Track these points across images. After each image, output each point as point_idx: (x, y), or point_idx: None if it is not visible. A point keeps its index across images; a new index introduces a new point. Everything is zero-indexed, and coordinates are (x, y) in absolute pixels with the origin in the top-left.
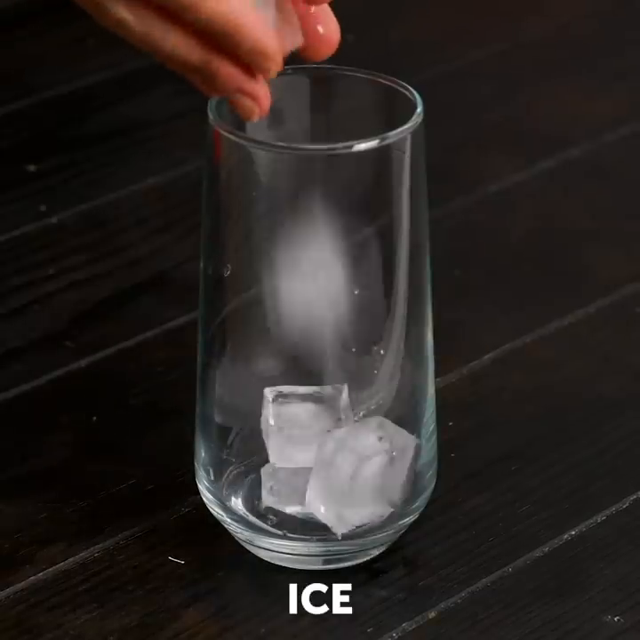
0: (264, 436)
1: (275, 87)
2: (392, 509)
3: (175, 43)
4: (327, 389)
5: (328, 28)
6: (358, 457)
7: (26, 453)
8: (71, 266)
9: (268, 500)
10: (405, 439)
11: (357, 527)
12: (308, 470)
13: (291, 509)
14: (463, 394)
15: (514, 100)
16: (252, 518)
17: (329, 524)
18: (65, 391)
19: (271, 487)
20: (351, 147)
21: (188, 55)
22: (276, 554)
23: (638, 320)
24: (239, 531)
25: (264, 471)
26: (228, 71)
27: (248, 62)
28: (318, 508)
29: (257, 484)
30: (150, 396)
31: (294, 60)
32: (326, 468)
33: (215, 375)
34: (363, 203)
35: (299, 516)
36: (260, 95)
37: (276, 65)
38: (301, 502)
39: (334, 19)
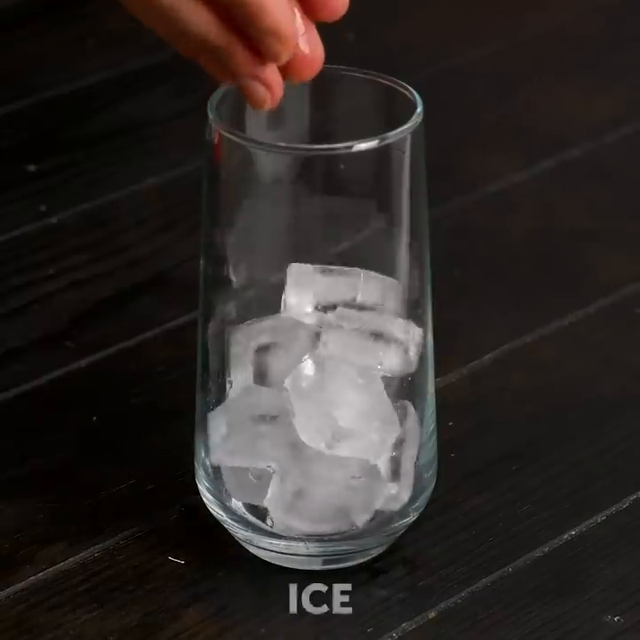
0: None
1: None
2: (348, 526)
3: (200, 18)
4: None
5: (314, 49)
6: (310, 477)
7: (26, 453)
8: (71, 266)
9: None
10: (372, 470)
11: (309, 536)
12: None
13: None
14: (463, 394)
15: (513, 99)
16: (251, 518)
17: (275, 524)
18: (65, 391)
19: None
20: (351, 147)
21: (209, 33)
22: (276, 554)
23: (638, 320)
24: (239, 531)
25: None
26: (245, 53)
27: (261, 44)
28: (270, 506)
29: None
30: (150, 396)
31: None
32: (282, 475)
33: (215, 376)
34: (363, 203)
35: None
36: (273, 83)
37: (287, 51)
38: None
39: (320, 42)
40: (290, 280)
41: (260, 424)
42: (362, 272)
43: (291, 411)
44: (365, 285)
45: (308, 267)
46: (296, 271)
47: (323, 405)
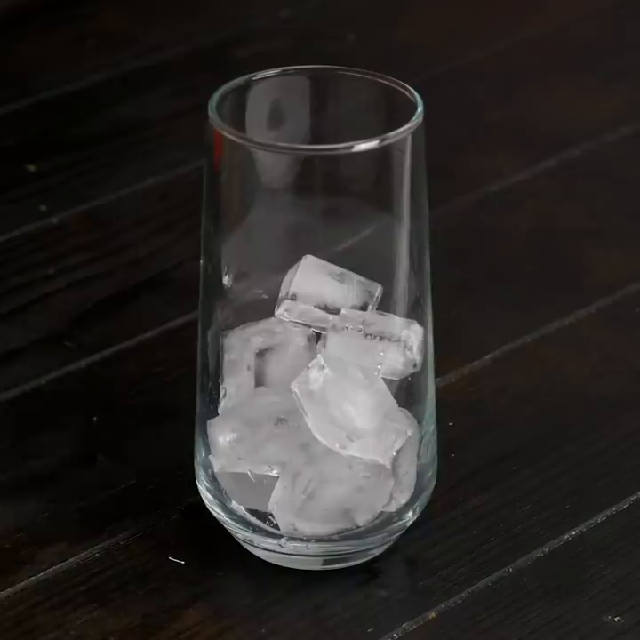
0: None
1: (275, 87)
2: (351, 526)
3: None
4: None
5: None
6: (322, 478)
7: (26, 453)
8: (71, 266)
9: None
10: (381, 470)
11: (309, 537)
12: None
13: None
14: (463, 394)
15: (514, 99)
16: (252, 519)
17: (281, 526)
18: (65, 391)
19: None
20: (351, 147)
21: None
22: (277, 554)
23: (639, 320)
24: (239, 531)
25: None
26: None
27: None
28: (274, 508)
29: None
30: (150, 396)
31: (294, 61)
32: (291, 477)
33: (215, 377)
34: (363, 203)
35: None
36: None
37: None
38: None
39: None
40: (301, 270)
41: (269, 427)
42: (369, 283)
43: (302, 413)
44: (370, 295)
45: (322, 263)
46: (309, 263)
47: (335, 406)
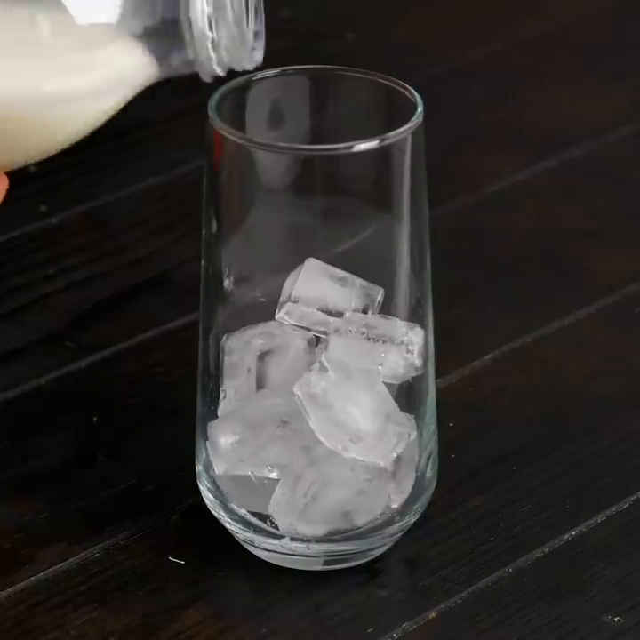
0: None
1: (275, 87)
2: (351, 527)
3: None
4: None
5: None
6: (324, 481)
7: (26, 453)
8: (71, 266)
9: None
10: (381, 473)
11: (309, 538)
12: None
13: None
14: (463, 394)
15: (514, 99)
16: (252, 519)
17: (281, 528)
18: (65, 391)
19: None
20: (351, 147)
21: None
22: (277, 554)
23: (639, 320)
24: (240, 531)
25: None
26: None
27: None
28: (274, 510)
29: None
30: (150, 396)
31: (292, 61)
32: (293, 479)
33: (216, 379)
34: (363, 203)
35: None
36: None
37: None
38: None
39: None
40: (304, 274)
41: (271, 430)
42: (371, 287)
43: (305, 415)
44: (372, 299)
45: (324, 266)
46: (312, 266)
47: (338, 409)
